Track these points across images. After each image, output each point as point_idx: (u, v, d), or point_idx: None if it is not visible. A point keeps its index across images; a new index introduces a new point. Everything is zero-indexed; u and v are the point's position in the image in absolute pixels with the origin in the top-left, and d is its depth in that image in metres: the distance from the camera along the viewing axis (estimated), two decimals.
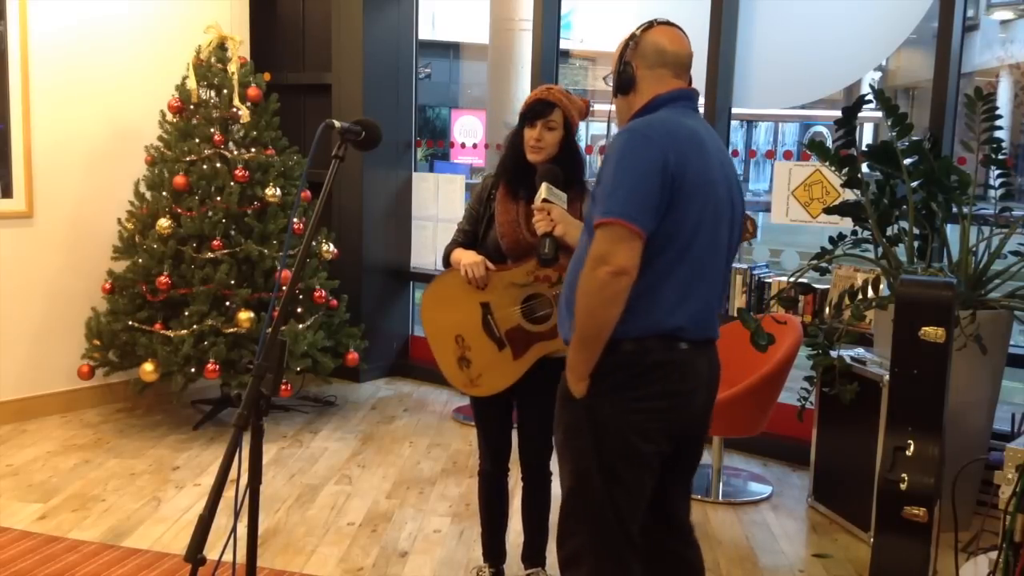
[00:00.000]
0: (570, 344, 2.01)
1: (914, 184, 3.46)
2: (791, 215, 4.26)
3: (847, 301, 3.33)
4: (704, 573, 2.33)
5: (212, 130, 4.45)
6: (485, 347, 2.66)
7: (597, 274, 1.89)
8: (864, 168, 3.54)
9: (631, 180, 1.90)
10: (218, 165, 4.39)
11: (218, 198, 4.36)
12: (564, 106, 2.61)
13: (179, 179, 4.33)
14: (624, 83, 2.09)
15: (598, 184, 1.99)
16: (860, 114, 3.49)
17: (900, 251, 3.53)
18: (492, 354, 2.66)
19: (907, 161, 3.47)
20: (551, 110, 2.59)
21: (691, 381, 2.07)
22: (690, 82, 2.14)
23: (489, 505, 2.92)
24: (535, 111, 2.60)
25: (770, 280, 4.26)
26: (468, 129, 6.62)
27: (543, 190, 2.51)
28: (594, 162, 5.11)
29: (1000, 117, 3.47)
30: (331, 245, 4.85)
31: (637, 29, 2.10)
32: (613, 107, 2.17)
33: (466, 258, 2.65)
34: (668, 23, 2.12)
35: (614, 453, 2.03)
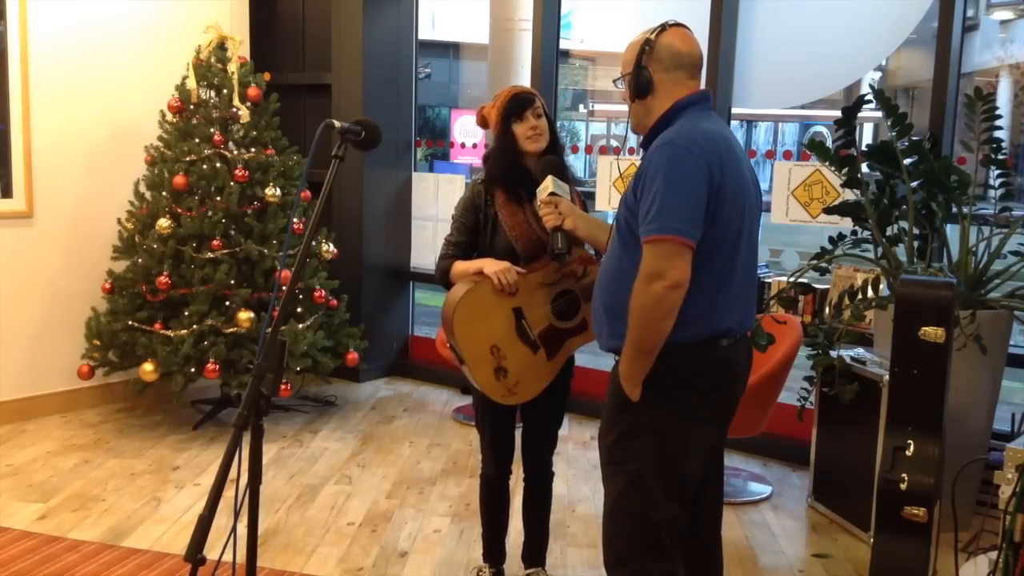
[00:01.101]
0: (623, 354, 2.05)
1: (914, 184, 3.46)
2: (791, 215, 4.26)
3: (847, 301, 3.33)
4: (722, 568, 2.37)
5: (212, 130, 4.45)
6: (520, 353, 2.60)
7: (653, 289, 1.92)
8: (864, 168, 3.55)
9: (679, 195, 1.93)
10: (218, 165, 4.39)
11: (218, 198, 4.36)
12: (540, 96, 2.64)
13: (179, 179, 4.33)
14: (642, 87, 2.10)
15: (637, 196, 2.01)
16: (860, 114, 3.49)
17: (900, 251, 3.53)
18: (528, 359, 2.61)
19: (907, 161, 3.47)
20: (535, 99, 2.62)
21: (736, 372, 2.16)
22: (700, 80, 2.16)
23: (491, 508, 2.90)
24: (521, 103, 2.60)
25: (770, 280, 4.26)
26: (468, 129, 6.60)
27: (548, 182, 2.48)
28: (593, 161, 5.11)
29: (1000, 117, 3.47)
30: (331, 245, 4.85)
31: (651, 33, 2.10)
32: (629, 111, 2.18)
33: (491, 266, 2.56)
34: (678, 24, 2.13)
35: (674, 451, 2.08)
